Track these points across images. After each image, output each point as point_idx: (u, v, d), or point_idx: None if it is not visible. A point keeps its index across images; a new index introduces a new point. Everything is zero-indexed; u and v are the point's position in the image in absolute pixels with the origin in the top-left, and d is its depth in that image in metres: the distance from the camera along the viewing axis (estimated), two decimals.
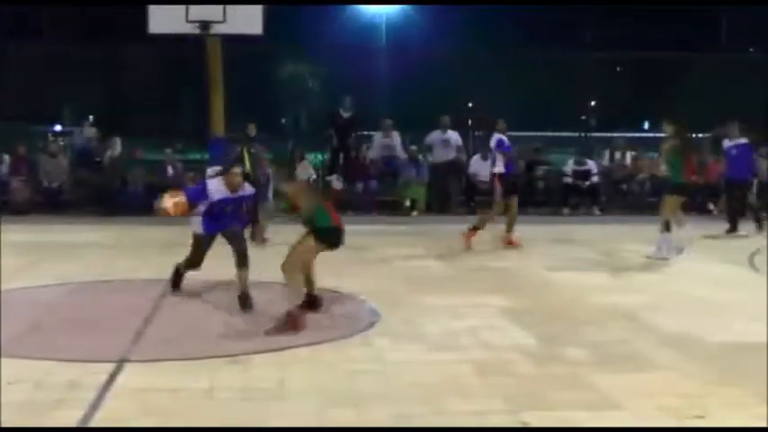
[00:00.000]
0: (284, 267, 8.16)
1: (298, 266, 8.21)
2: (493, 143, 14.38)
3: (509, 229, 14.06)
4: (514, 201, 14.29)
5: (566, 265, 12.33)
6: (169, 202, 8.86)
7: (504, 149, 14.23)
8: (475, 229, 13.92)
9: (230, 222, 9.11)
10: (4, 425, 5.43)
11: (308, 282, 8.75)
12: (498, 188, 14.14)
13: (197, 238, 9.43)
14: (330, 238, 8.34)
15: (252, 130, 19.24)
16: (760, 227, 16.18)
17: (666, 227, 12.76)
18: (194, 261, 9.41)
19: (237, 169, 9.32)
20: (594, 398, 6.05)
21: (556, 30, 32.82)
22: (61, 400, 5.88)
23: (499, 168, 14.19)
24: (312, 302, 8.75)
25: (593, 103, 28.30)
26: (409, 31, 33.90)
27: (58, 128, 27.85)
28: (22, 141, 21.24)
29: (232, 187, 9.09)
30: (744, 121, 16.99)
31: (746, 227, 16.16)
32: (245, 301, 8.89)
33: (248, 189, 9.35)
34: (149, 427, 5.42)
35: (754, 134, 17.55)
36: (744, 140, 16.56)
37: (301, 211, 8.41)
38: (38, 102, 25.73)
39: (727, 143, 16.77)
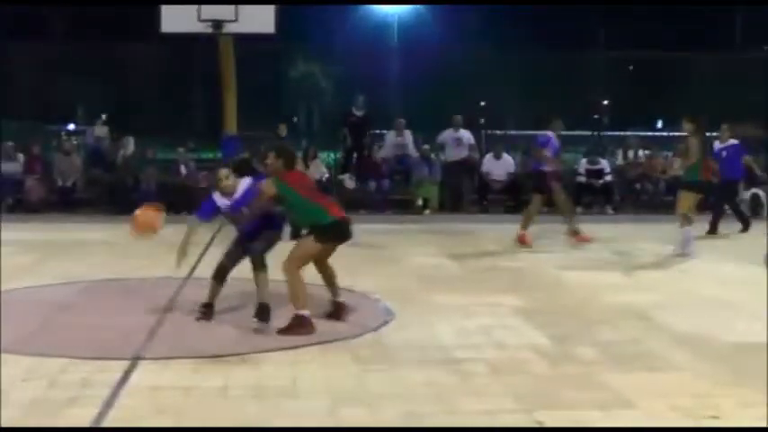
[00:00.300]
0: (284, 267, 7.95)
1: (298, 266, 7.96)
2: (541, 139, 14.40)
3: (525, 226, 14.04)
4: (538, 200, 14.30)
5: (578, 264, 12.31)
6: (144, 225, 8.42)
7: (548, 146, 14.19)
8: (575, 231, 14.04)
9: (258, 227, 8.37)
10: (18, 422, 5.45)
11: (330, 285, 8.55)
12: (554, 184, 14.19)
13: (234, 239, 8.74)
14: (330, 233, 8.07)
15: (283, 130, 19.25)
16: (713, 230, 15.99)
17: (687, 221, 12.85)
18: (219, 267, 8.56)
19: (223, 171, 8.66)
20: (607, 397, 6.04)
21: (568, 28, 32.77)
22: (75, 398, 5.90)
23: (547, 167, 14.18)
24: (337, 309, 8.52)
25: (605, 102, 28.24)
26: (421, 30, 33.88)
27: (71, 127, 27.90)
28: (36, 140, 21.34)
29: (223, 192, 8.50)
30: (738, 121, 16.94)
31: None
32: (261, 312, 8.18)
33: (246, 185, 8.54)
34: (155, 428, 5.43)
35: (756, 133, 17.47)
36: (734, 142, 16.55)
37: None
38: (51, 101, 25.77)
39: (717, 145, 16.72)
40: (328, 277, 8.54)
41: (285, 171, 8.17)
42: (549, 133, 14.26)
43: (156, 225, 8.42)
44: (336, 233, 8.14)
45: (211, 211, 8.63)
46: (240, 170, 8.93)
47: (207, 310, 8.50)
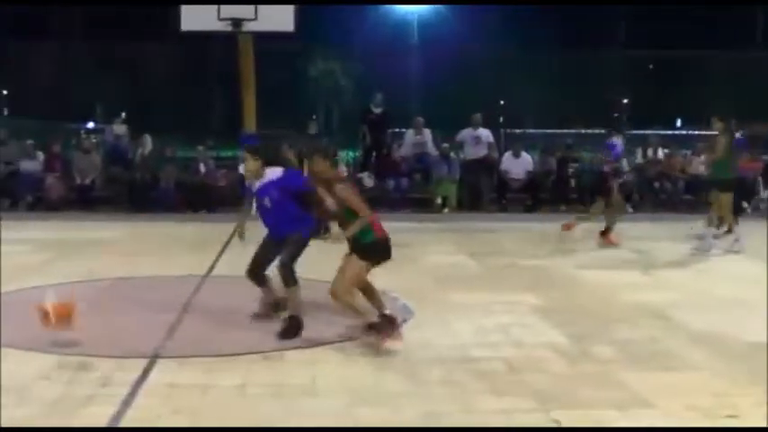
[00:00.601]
0: (335, 294, 7.46)
1: (349, 290, 7.49)
2: (608, 144, 14.62)
3: (582, 220, 14.47)
4: (602, 202, 14.45)
5: (596, 263, 12.27)
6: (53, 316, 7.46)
7: (610, 149, 14.55)
8: (608, 230, 14.07)
9: (282, 225, 8.00)
10: (37, 420, 5.47)
11: (372, 299, 7.84)
12: (613, 183, 14.45)
13: (263, 240, 8.34)
14: (377, 253, 7.58)
15: (312, 127, 19.13)
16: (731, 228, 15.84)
17: (723, 221, 13.09)
18: (250, 266, 8.29)
19: (246, 153, 8.33)
20: (625, 396, 6.03)
21: (588, 28, 32.69)
22: (93, 396, 5.93)
23: (606, 168, 14.39)
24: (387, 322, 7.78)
25: (625, 100, 28.19)
26: (441, 29, 33.84)
27: (90, 125, 28.02)
28: (56, 138, 21.44)
29: (250, 175, 8.22)
30: (758, 119, 16.89)
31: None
32: (288, 329, 7.76)
33: (273, 174, 8.12)
34: (166, 428, 5.46)
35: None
36: (736, 136, 16.48)
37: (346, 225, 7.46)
38: (71, 100, 25.92)
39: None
40: (369, 292, 7.88)
41: (336, 173, 7.81)
42: (615, 139, 14.49)
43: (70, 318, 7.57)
44: (380, 252, 7.66)
45: (249, 192, 8.36)
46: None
47: (272, 309, 8.28)
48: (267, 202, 8.08)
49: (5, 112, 23.54)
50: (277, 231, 8.10)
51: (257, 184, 8.14)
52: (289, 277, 7.85)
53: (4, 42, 25.23)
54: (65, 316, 7.45)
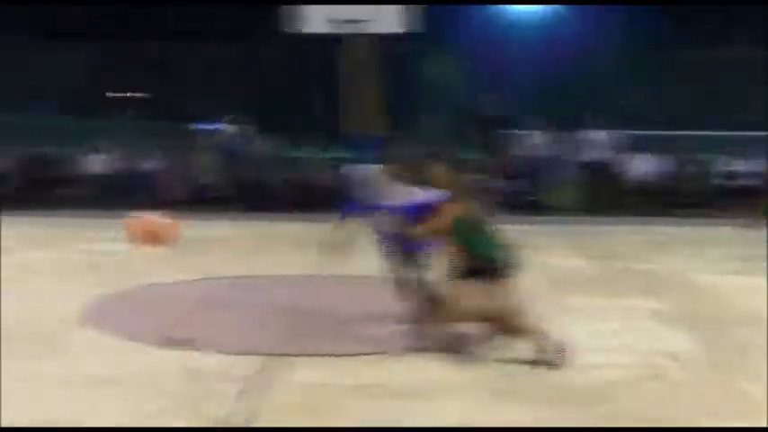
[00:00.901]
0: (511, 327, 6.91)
1: (515, 314, 6.87)
2: None
3: None
4: None
5: (717, 268, 11.95)
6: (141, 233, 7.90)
7: None
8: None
9: (407, 242, 7.30)
10: (160, 412, 5.52)
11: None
12: None
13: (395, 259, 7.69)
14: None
15: (426, 129, 19.00)
16: None
17: None
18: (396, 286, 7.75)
19: (395, 164, 7.61)
20: (749, 408, 5.82)
21: (714, 26, 32.00)
22: (211, 392, 5.98)
23: None
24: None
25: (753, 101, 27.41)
26: (559, 29, 33.53)
27: (206, 126, 28.42)
28: (174, 139, 21.85)
29: (386, 190, 7.47)
30: None
31: None
32: (453, 344, 7.11)
33: (412, 194, 7.35)
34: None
35: None
36: None
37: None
38: (185, 100, 26.32)
39: None
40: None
41: (454, 180, 7.01)
42: None
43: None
44: None
45: (356, 211, 7.83)
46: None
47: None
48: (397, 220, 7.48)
49: (133, 114, 24.16)
50: (406, 248, 7.47)
51: (390, 202, 7.45)
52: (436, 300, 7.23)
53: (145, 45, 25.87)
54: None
